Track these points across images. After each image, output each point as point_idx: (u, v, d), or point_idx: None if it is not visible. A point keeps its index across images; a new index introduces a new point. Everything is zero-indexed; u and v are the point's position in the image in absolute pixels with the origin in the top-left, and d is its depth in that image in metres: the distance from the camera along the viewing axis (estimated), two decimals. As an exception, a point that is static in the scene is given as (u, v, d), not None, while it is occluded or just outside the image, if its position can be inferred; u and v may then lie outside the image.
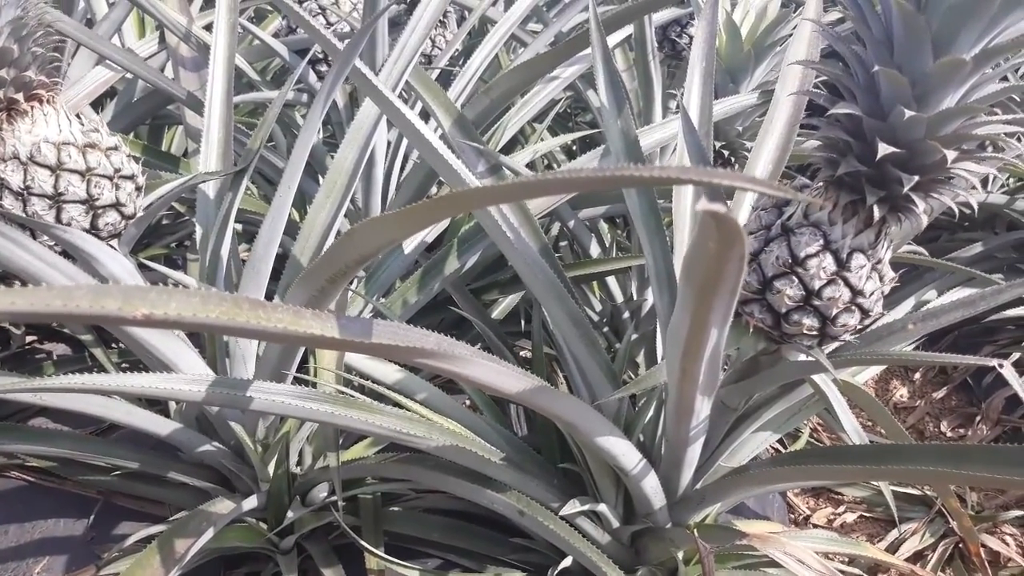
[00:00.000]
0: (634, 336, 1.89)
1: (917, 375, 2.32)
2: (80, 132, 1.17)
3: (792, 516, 1.80)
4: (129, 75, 1.81)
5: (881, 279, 0.97)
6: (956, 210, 0.92)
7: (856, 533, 1.80)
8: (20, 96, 1.09)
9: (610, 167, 0.50)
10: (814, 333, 0.97)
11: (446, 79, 2.01)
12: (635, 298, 1.90)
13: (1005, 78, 2.42)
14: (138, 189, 1.23)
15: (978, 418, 2.05)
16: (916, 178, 0.85)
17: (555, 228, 1.92)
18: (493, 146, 1.91)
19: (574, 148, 2.31)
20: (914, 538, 1.70)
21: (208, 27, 1.88)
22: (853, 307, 0.95)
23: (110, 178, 1.17)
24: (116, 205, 1.18)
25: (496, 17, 1.97)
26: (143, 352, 1.22)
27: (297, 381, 1.27)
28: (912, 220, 0.92)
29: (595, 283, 1.95)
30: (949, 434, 2.10)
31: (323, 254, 0.83)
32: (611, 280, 1.87)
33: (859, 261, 0.93)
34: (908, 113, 0.81)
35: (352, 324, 0.72)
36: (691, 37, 2.20)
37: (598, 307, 1.95)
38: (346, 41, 1.75)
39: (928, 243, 2.57)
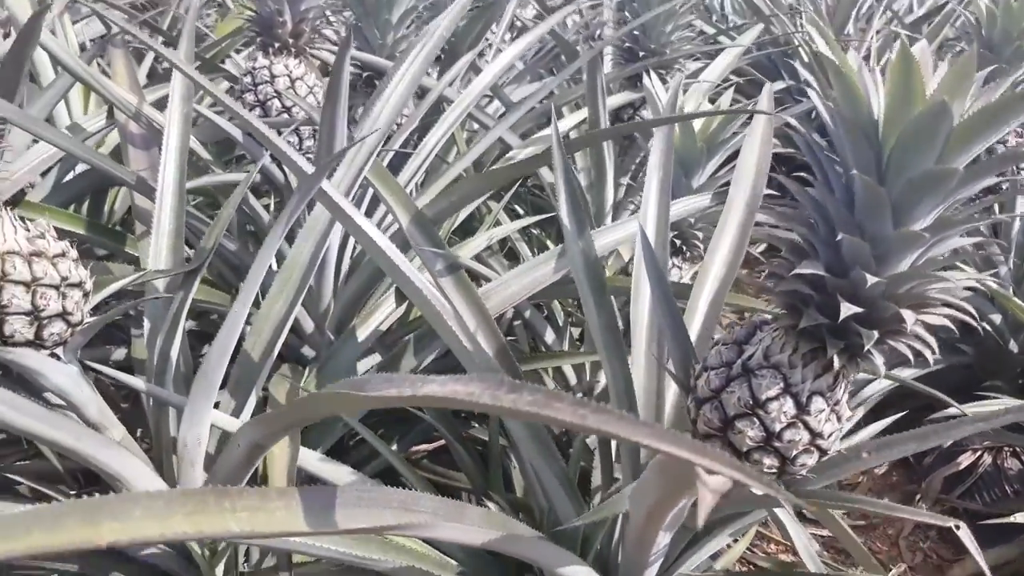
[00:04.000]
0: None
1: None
2: (26, 239, 1.12)
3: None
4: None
5: (839, 419, 0.99)
6: (911, 356, 0.95)
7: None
8: (-38, 208, 1.05)
9: (592, 411, 0.50)
10: (774, 471, 0.98)
11: (400, 157, 2.00)
12: (588, 379, 1.91)
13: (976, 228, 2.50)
14: (85, 295, 1.18)
15: (918, 497, 2.10)
16: (876, 334, 0.87)
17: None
18: (449, 226, 1.90)
19: (532, 229, 2.31)
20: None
21: (160, 102, 1.85)
22: (812, 448, 0.97)
23: (56, 287, 1.12)
24: (63, 314, 1.14)
25: (452, 96, 1.98)
26: (84, 460, 1.17)
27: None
28: (870, 366, 0.94)
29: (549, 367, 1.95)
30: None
31: (286, 408, 0.82)
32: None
33: (819, 405, 0.95)
34: (871, 279, 0.83)
35: (316, 497, 0.70)
36: (642, 118, 2.24)
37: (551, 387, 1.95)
38: (305, 128, 1.73)
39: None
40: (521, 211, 2.36)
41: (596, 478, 1.60)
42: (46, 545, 0.51)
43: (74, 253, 1.19)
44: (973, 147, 0.79)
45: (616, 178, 2.11)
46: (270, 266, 1.77)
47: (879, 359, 0.90)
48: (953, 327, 0.92)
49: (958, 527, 0.87)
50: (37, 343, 1.13)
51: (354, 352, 1.60)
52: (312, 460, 1.32)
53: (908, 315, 0.85)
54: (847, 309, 0.84)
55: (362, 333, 1.63)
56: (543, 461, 1.27)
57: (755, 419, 0.95)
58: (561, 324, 1.95)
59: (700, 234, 1.79)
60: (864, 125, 0.82)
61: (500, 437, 1.61)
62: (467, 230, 2.09)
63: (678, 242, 1.81)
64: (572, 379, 1.90)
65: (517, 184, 2.07)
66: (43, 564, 1.32)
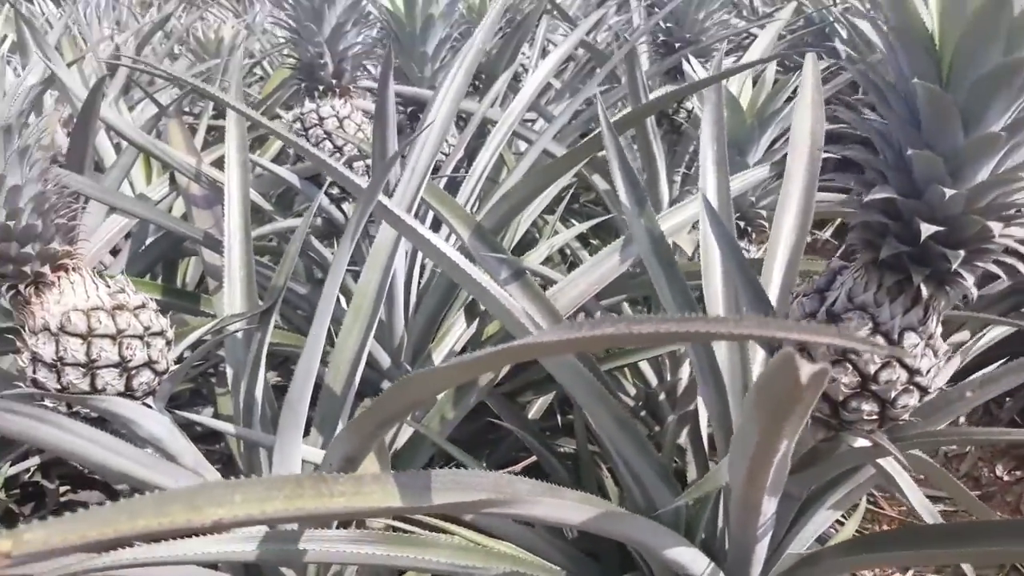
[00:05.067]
0: (671, 417, 1.86)
1: (962, 419, 2.26)
2: (107, 295, 1.16)
3: (863, 587, 1.73)
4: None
5: (935, 354, 0.94)
6: (1003, 275, 0.90)
7: (931, 599, 1.72)
8: (47, 269, 1.09)
9: (670, 319, 0.49)
10: (874, 418, 0.94)
11: (452, 184, 2.03)
12: (668, 379, 1.87)
13: None
14: (168, 344, 1.22)
15: (1034, 460, 1.99)
16: (962, 253, 0.83)
17: (579, 317, 1.91)
18: (509, 243, 1.91)
19: (586, 232, 2.31)
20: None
21: (216, 162, 1.92)
22: (911, 387, 0.93)
23: (140, 337, 1.16)
24: (149, 363, 1.17)
25: (494, 117, 2.00)
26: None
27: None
28: (960, 290, 0.90)
29: (626, 368, 1.93)
30: (1006, 478, 2.03)
31: (374, 402, 0.81)
32: (643, 364, 1.85)
33: (912, 340, 0.91)
34: (948, 192, 0.80)
35: (412, 481, 0.70)
36: (688, 112, 2.22)
37: (632, 391, 1.92)
38: (356, 165, 1.76)
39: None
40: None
41: (691, 473, 1.56)
42: (152, 527, 0.51)
43: (153, 304, 1.23)
44: (1038, 36, 0.76)
45: (669, 175, 2.09)
46: (339, 302, 1.80)
47: (970, 279, 0.86)
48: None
49: (1085, 439, 0.82)
50: (128, 394, 1.17)
51: (432, 375, 1.60)
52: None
53: (995, 225, 0.81)
54: (927, 229, 0.81)
55: (437, 357, 1.64)
56: (638, 456, 1.24)
57: (847, 364, 0.92)
58: (635, 327, 1.93)
59: (764, 213, 1.76)
60: (919, 34, 0.79)
61: (589, 444, 1.59)
62: (524, 247, 2.09)
63: (742, 223, 1.78)
64: (653, 380, 1.86)
65: (569, 195, 2.06)
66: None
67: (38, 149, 1.09)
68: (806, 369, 0.45)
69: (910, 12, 0.78)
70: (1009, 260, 0.88)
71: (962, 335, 2.05)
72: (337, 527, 1.18)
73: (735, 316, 0.45)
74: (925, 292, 0.87)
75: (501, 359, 0.63)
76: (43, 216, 1.08)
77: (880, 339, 0.91)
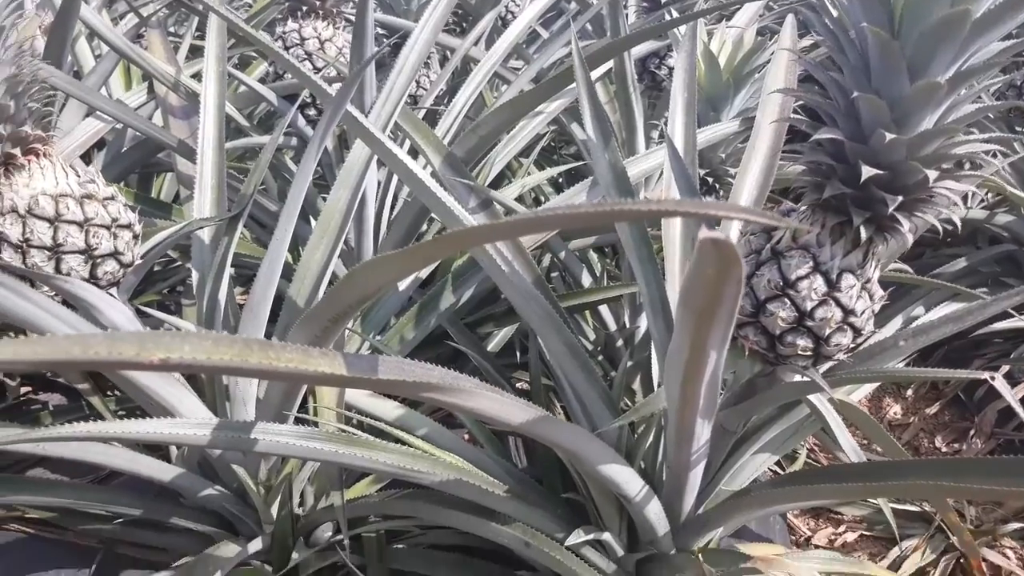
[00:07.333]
0: (629, 363, 1.91)
1: (909, 392, 2.34)
2: (77, 183, 1.18)
3: (793, 538, 1.80)
4: (119, 125, 1.83)
5: (871, 298, 0.99)
6: (940, 227, 0.95)
7: (857, 552, 1.80)
8: (17, 151, 1.11)
9: (607, 201, 0.52)
10: (808, 354, 0.99)
11: (432, 118, 2.04)
12: (628, 326, 1.92)
13: (980, 98, 2.47)
14: (135, 237, 1.24)
15: (972, 432, 2.07)
16: (900, 198, 0.88)
17: (546, 259, 1.94)
18: (481, 181, 1.93)
19: (560, 180, 2.34)
20: (915, 555, 1.71)
21: (195, 75, 1.92)
22: (845, 326, 0.97)
23: (108, 227, 1.18)
24: (114, 254, 1.19)
25: (478, 56, 2.01)
26: (144, 398, 1.22)
27: (298, 421, 1.28)
28: (898, 239, 0.95)
29: (588, 312, 1.97)
30: (944, 449, 2.11)
31: (325, 295, 0.85)
32: (604, 309, 1.89)
33: (848, 281, 0.96)
34: (889, 136, 0.83)
35: (359, 361, 0.73)
36: (670, 68, 2.25)
37: (592, 336, 1.97)
38: (335, 86, 1.78)
39: (913, 260, 2.61)
40: (555, 175, 2.38)
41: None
42: (105, 357, 0.54)
43: (123, 198, 1.25)
44: (985, -7, 0.79)
45: (647, 129, 2.12)
46: (309, 219, 1.82)
47: (906, 225, 0.90)
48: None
49: (993, 378, 0.87)
50: (92, 281, 1.19)
51: (396, 300, 1.64)
52: (360, 396, 1.36)
53: (931, 173, 0.85)
54: (867, 171, 0.85)
55: (403, 283, 1.67)
56: (586, 383, 1.29)
57: (786, 300, 0.96)
58: (598, 274, 1.97)
59: (732, 170, 1.80)
60: (874, -17, 0.83)
61: (544, 378, 1.64)
62: (497, 188, 2.12)
63: (711, 179, 1.82)
64: (612, 325, 1.91)
65: (548, 144, 2.09)
66: (109, 507, 1.38)
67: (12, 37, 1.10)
68: (706, 232, 0.49)
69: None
70: (945, 211, 0.92)
71: (917, 310, 2.12)
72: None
73: (648, 200, 0.48)
74: (864, 235, 0.91)
75: (442, 247, 0.67)
76: (16, 98, 1.09)
77: (820, 278, 0.95)
